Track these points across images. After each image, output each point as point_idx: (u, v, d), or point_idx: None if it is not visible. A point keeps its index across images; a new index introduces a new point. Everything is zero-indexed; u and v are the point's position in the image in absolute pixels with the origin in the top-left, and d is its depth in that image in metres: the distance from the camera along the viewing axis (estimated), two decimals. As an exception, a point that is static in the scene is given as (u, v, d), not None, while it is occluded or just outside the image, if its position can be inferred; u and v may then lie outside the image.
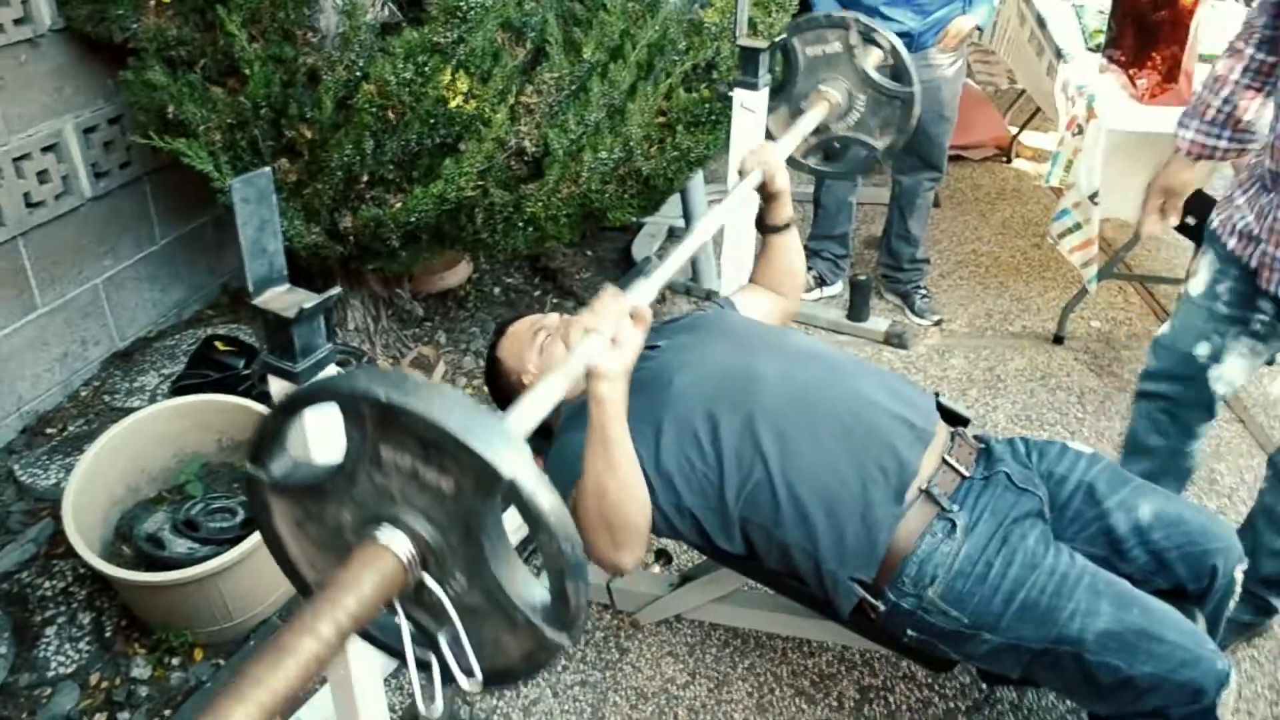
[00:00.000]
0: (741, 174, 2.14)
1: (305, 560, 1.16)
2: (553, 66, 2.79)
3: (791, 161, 2.44)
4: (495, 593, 0.99)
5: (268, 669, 0.85)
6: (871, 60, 2.35)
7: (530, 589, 0.99)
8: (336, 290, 1.28)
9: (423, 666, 1.10)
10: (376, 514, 1.00)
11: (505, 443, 0.89)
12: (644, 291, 1.58)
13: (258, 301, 1.25)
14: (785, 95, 2.43)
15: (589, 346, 1.47)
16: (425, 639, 1.08)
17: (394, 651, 1.12)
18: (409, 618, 1.07)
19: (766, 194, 2.19)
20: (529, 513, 0.90)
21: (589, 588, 0.97)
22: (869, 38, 2.31)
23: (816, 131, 2.40)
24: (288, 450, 1.08)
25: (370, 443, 0.96)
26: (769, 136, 2.47)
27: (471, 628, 1.03)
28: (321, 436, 1.29)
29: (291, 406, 1.03)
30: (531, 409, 1.26)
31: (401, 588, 0.98)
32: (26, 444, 3.01)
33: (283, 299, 1.25)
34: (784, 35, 2.40)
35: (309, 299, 1.24)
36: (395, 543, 0.97)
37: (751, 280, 2.38)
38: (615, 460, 1.60)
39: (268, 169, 1.23)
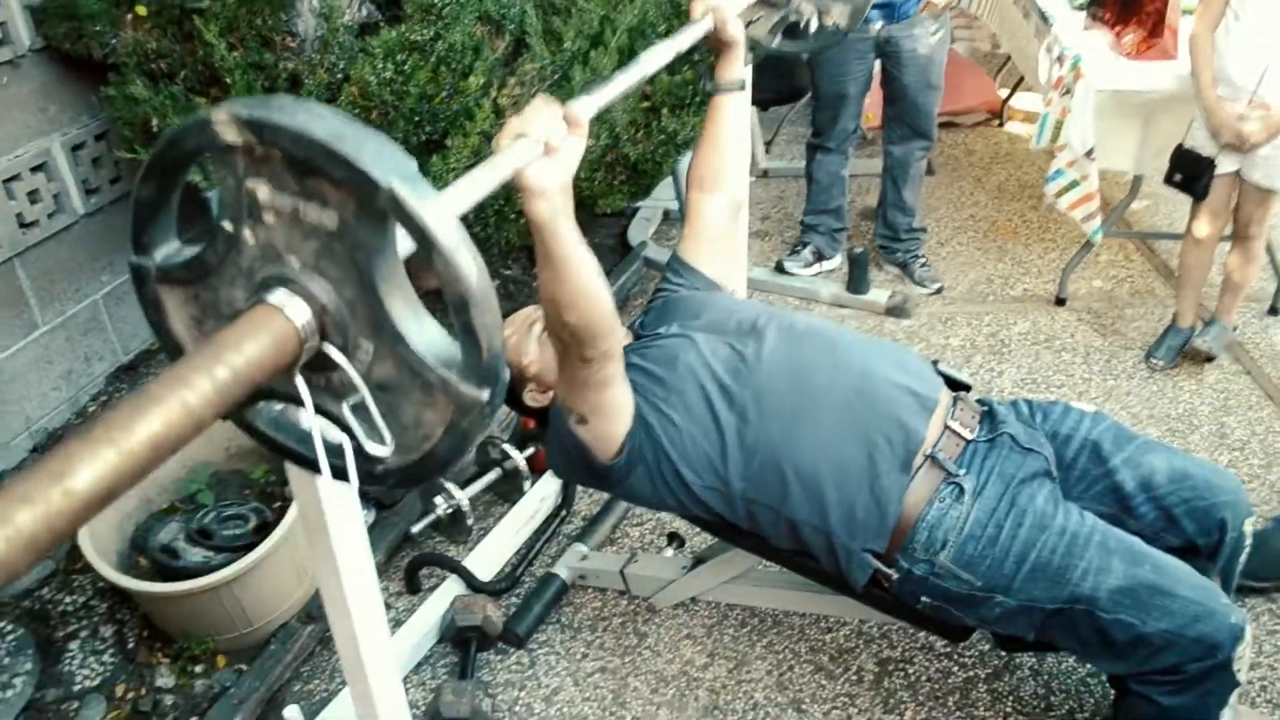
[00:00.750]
0: (693, 19, 2.01)
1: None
2: (534, 57, 2.78)
3: (753, 46, 2.33)
4: (402, 352, 0.90)
5: (128, 415, 0.75)
6: None
7: (438, 341, 0.90)
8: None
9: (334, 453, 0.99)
10: (266, 279, 0.91)
11: (381, 146, 0.81)
12: (583, 103, 1.43)
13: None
14: None
15: (519, 150, 1.29)
16: (333, 421, 0.99)
17: (293, 454, 1.04)
18: (317, 409, 0.97)
19: (717, 44, 2.08)
20: (414, 225, 0.81)
21: (499, 325, 0.87)
22: None
23: (774, 5, 2.33)
24: (173, 228, 0.98)
25: (244, 186, 0.88)
26: None
27: (388, 407, 0.94)
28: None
29: (158, 169, 0.91)
30: (458, 191, 1.16)
31: (296, 355, 0.89)
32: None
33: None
34: None
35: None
36: (289, 306, 0.89)
37: (695, 159, 2.22)
38: (564, 275, 1.48)
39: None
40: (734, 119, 2.17)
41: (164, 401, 0.77)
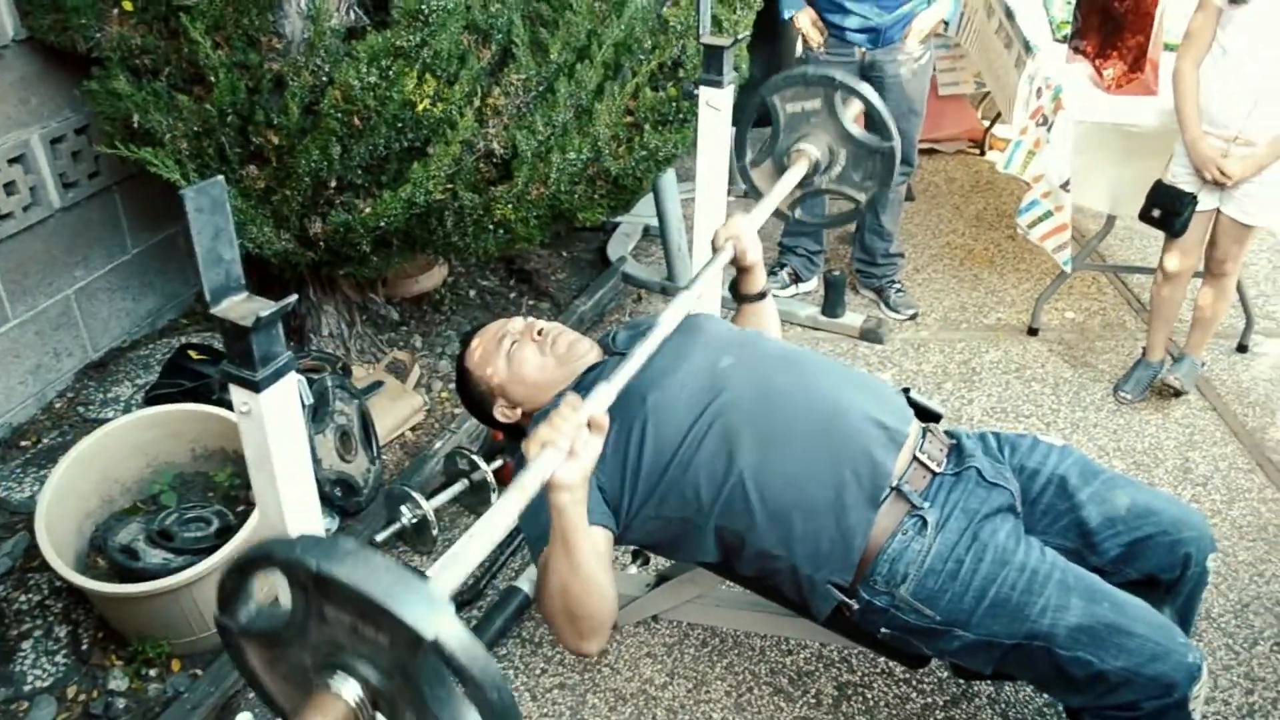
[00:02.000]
0: (714, 248, 2.15)
1: (280, 694, 1.22)
2: (520, 68, 2.79)
3: (776, 213, 2.44)
4: None
5: None
6: (851, 114, 2.36)
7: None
8: (293, 298, 1.27)
9: None
10: (329, 660, 1.08)
11: (427, 606, 0.97)
12: (601, 399, 1.58)
13: (215, 311, 1.25)
14: (769, 150, 2.44)
15: (546, 460, 1.47)
16: None
17: None
18: None
19: (740, 266, 2.20)
20: (455, 670, 0.97)
21: None
22: (849, 92, 2.31)
23: (800, 185, 2.41)
24: (253, 598, 1.14)
25: (313, 601, 1.04)
26: (755, 192, 2.46)
27: None
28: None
29: (243, 570, 1.10)
30: (460, 562, 1.27)
31: None
32: (1, 458, 2.99)
33: (240, 308, 1.25)
34: (763, 94, 2.39)
35: (266, 307, 1.23)
36: (345, 690, 1.06)
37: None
38: (578, 562, 1.61)
39: (220, 178, 1.22)
40: (761, 322, 2.29)
41: None
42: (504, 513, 1.34)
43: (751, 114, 2.42)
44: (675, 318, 1.83)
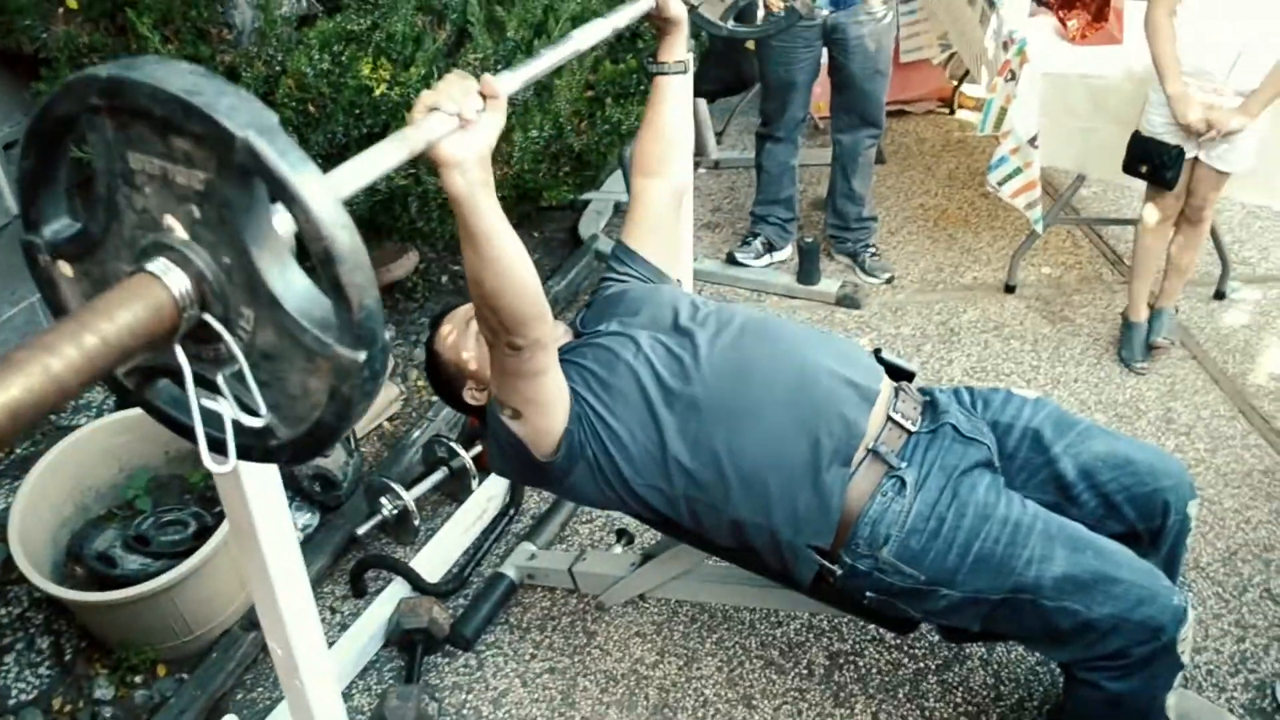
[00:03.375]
0: None
1: None
2: (476, 47, 2.74)
3: (708, 27, 2.32)
4: (279, 317, 0.87)
5: None
6: None
7: (312, 302, 0.87)
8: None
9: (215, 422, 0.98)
10: (147, 246, 0.89)
11: (240, 100, 0.80)
12: (504, 78, 1.41)
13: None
14: None
15: (431, 123, 1.29)
16: (212, 390, 0.97)
17: (178, 425, 1.03)
18: (198, 379, 0.94)
19: (659, 24, 2.04)
20: (272, 177, 0.79)
21: (374, 284, 0.84)
22: None
23: None
24: (62, 208, 0.97)
25: (115, 150, 0.87)
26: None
27: (274, 377, 0.92)
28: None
29: (36, 138, 0.91)
30: (351, 169, 1.14)
31: (173, 325, 0.88)
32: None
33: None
34: None
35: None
36: (167, 275, 0.87)
37: (638, 143, 2.18)
38: (486, 253, 1.46)
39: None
40: (676, 102, 2.13)
41: (25, 368, 0.75)
42: (385, 148, 1.21)
43: None
44: (580, 44, 1.67)
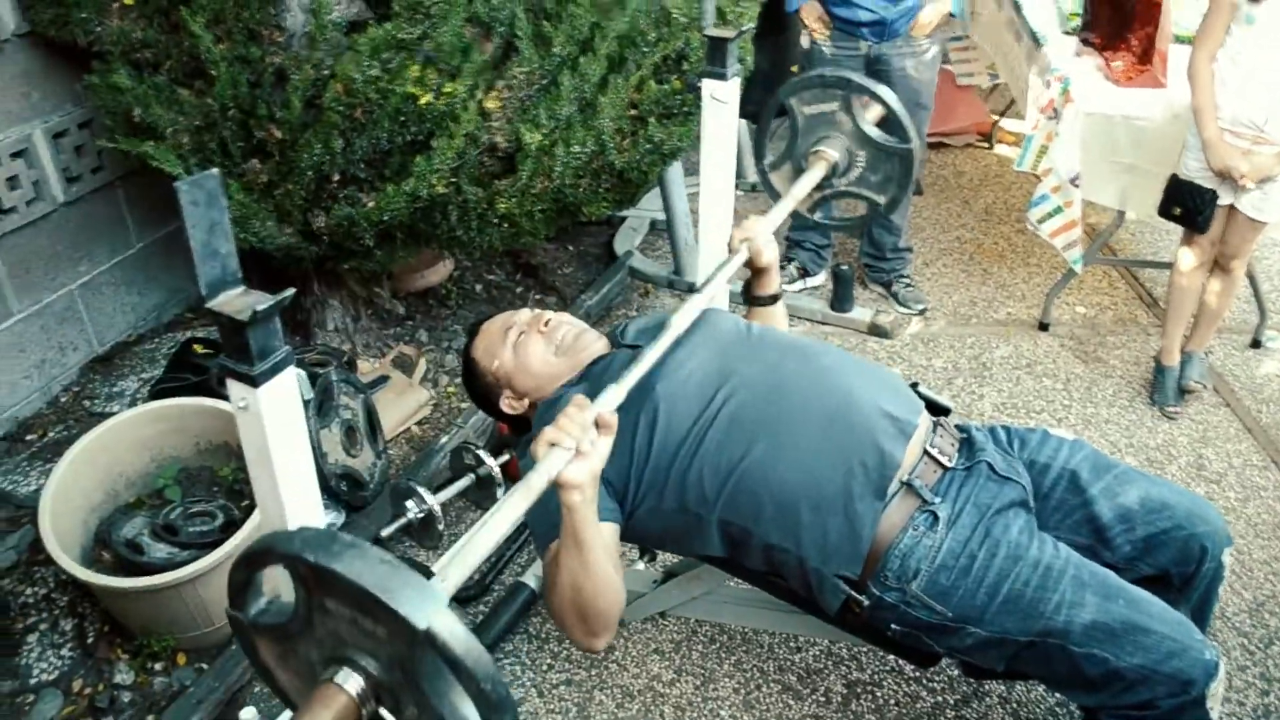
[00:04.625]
0: (730, 250, 2.12)
1: (290, 687, 1.25)
2: (523, 61, 2.77)
3: (796, 214, 2.44)
4: None
5: None
6: (870, 116, 2.34)
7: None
8: (290, 292, 1.25)
9: None
10: (334, 653, 1.11)
11: (421, 598, 0.99)
12: (610, 398, 1.58)
13: (211, 305, 1.22)
14: (788, 153, 2.42)
15: (554, 460, 1.46)
16: None
17: None
18: None
19: (754, 268, 2.18)
20: (448, 662, 0.99)
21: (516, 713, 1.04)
22: (867, 94, 2.30)
23: (819, 187, 2.39)
24: (260, 592, 1.18)
25: (314, 594, 1.07)
26: (774, 195, 2.44)
27: None
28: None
29: (248, 563, 1.13)
30: (464, 560, 1.26)
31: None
32: (7, 451, 2.98)
33: (236, 302, 1.23)
34: (781, 96, 2.38)
35: (262, 301, 1.21)
36: (348, 682, 1.09)
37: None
38: (589, 561, 1.60)
39: (215, 170, 1.20)
40: (777, 321, 2.27)
41: None
42: (509, 511, 1.33)
43: (770, 116, 2.41)
44: (687, 319, 1.85)
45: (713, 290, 1.95)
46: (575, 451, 1.48)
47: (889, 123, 2.30)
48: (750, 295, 2.25)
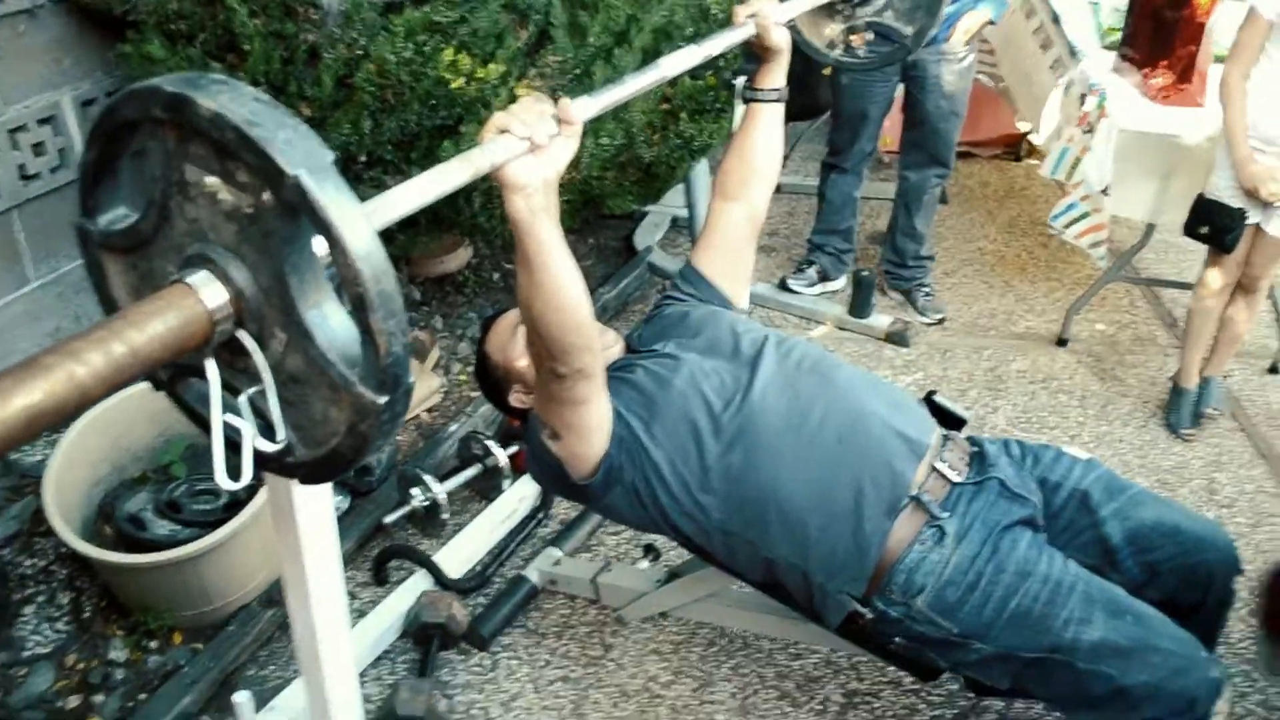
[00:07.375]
0: (735, 25, 1.93)
1: None
2: (557, 49, 2.75)
3: (814, 53, 2.27)
4: (308, 347, 0.89)
5: (10, 383, 0.73)
6: None
7: (345, 340, 0.89)
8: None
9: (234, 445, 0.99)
10: (193, 255, 0.90)
11: (297, 135, 0.81)
12: (581, 103, 1.39)
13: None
14: None
15: (499, 146, 1.26)
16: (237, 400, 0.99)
17: (204, 422, 1.02)
18: (226, 386, 0.95)
19: (758, 52, 2.00)
20: (317, 218, 0.81)
21: (405, 330, 0.86)
22: None
23: (839, 16, 2.23)
24: (121, 195, 0.97)
25: (173, 160, 0.89)
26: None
27: (298, 399, 0.94)
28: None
29: (100, 135, 0.91)
30: (402, 192, 1.13)
31: (205, 338, 0.88)
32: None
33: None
34: None
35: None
36: (205, 288, 0.88)
37: (723, 165, 2.15)
38: (539, 279, 1.45)
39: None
40: (768, 129, 2.10)
41: (50, 372, 0.75)
42: (443, 172, 1.17)
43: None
44: (674, 67, 1.66)
45: (699, 52, 1.74)
46: (529, 145, 1.29)
47: None
48: (752, 87, 2.07)
